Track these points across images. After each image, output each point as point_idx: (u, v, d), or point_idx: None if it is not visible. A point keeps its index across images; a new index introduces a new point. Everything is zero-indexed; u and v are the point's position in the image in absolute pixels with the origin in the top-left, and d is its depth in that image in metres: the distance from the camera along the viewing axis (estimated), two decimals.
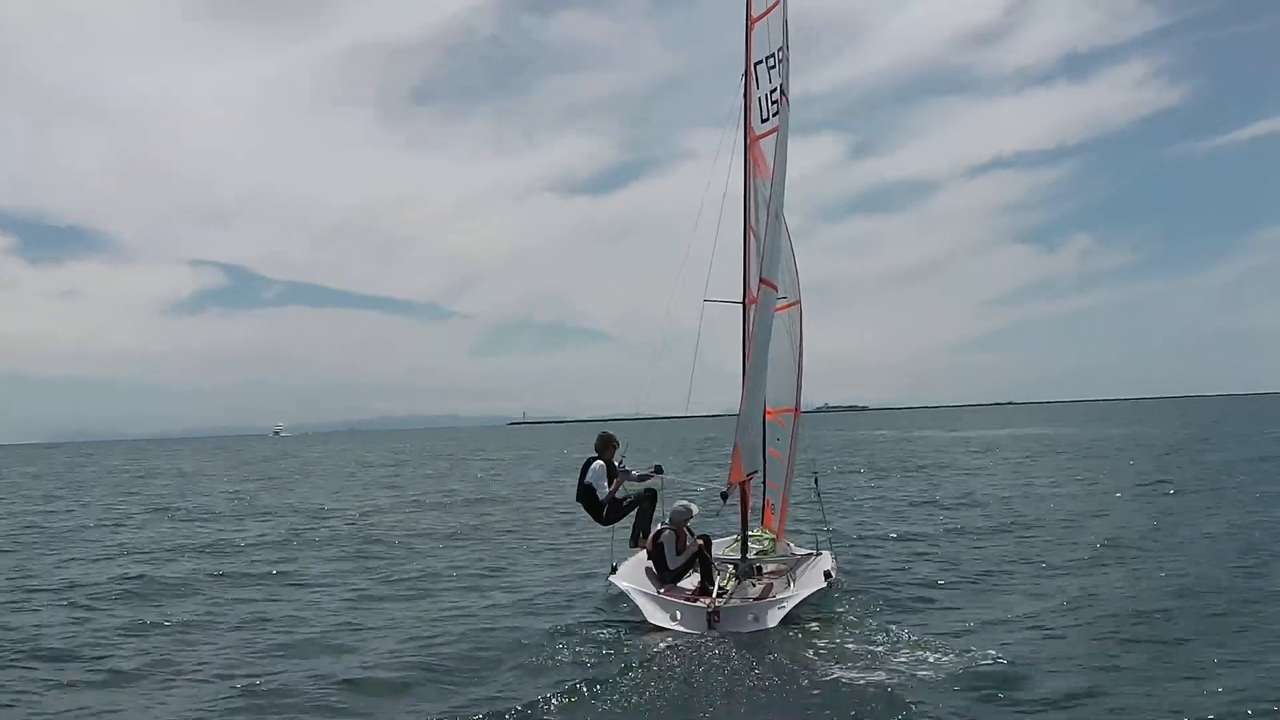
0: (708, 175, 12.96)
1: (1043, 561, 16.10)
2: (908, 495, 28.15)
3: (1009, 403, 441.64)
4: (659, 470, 14.02)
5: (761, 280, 12.05)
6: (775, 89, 12.34)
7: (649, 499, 13.88)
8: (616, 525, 13.92)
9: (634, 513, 13.98)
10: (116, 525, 27.87)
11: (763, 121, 12.76)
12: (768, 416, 14.20)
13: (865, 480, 33.93)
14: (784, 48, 12.11)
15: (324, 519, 27.80)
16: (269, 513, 30.86)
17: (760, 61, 12.60)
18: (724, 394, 14.80)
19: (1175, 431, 66.20)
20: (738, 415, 14.01)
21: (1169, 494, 25.45)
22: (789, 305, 13.79)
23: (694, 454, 56.15)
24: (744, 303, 13.72)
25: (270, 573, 18.07)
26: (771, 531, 15.02)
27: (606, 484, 13.55)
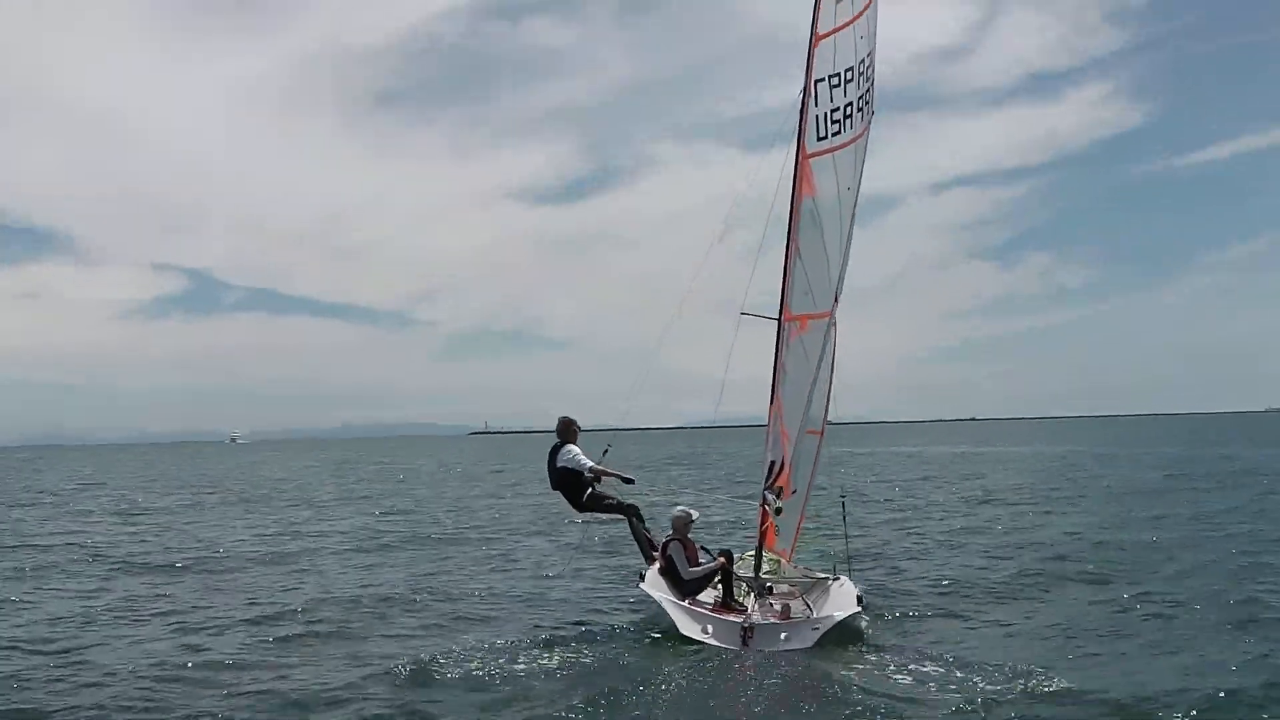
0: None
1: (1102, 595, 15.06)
2: (928, 520, 26.64)
3: (971, 419, 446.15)
4: (628, 481, 13.84)
5: (835, 298, 12.53)
6: (839, 107, 12.33)
7: (635, 515, 13.83)
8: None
9: (623, 524, 14.02)
10: None
11: (818, 139, 12.68)
12: (785, 439, 14.06)
13: (874, 504, 31.67)
14: (870, 55, 12.24)
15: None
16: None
17: (823, 79, 12.50)
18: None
19: (1181, 450, 65.81)
20: (768, 431, 14.04)
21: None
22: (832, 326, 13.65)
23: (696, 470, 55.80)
24: (780, 320, 13.68)
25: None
26: (775, 554, 14.85)
27: (585, 459, 13.43)
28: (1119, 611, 13.84)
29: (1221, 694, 9.65)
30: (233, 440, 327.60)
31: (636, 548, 14.23)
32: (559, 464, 13.62)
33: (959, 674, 10.53)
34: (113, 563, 20.61)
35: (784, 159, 13.12)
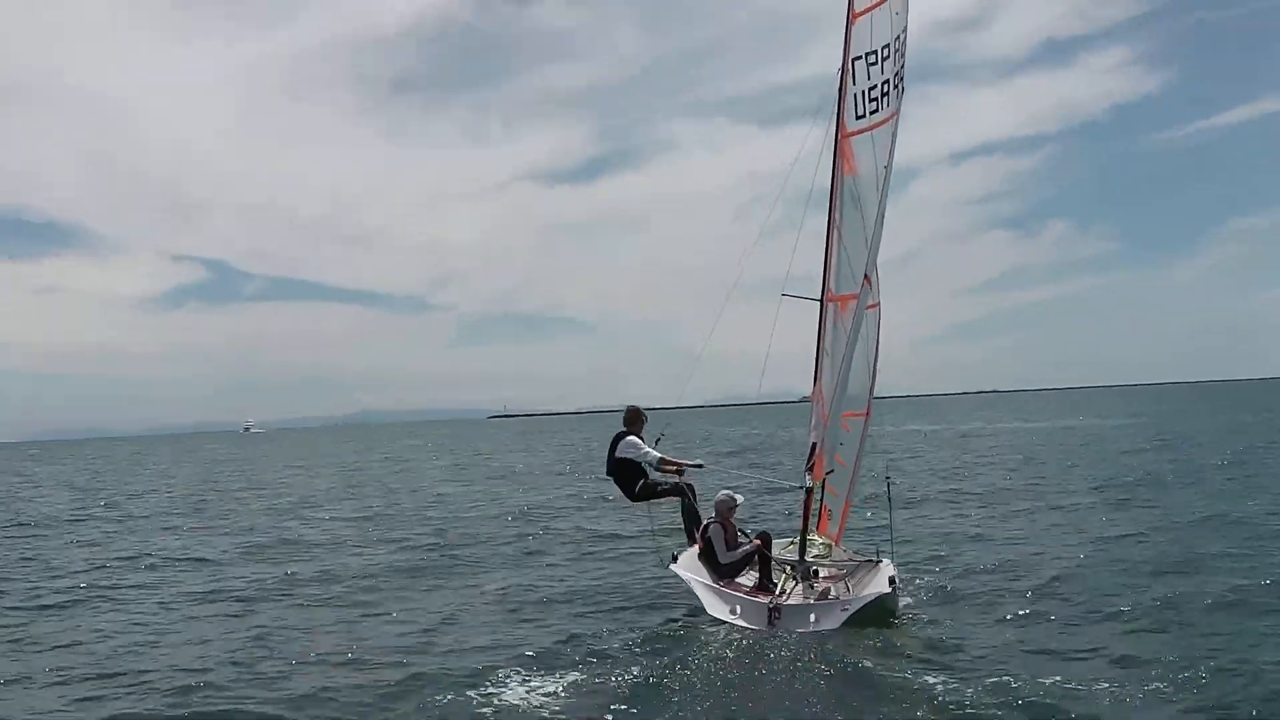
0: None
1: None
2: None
3: (992, 391, 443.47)
4: (699, 466, 13.88)
5: (865, 278, 12.07)
6: (877, 85, 12.17)
7: (688, 493, 13.73)
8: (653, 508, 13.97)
9: (670, 502, 13.93)
10: None
11: (857, 118, 12.54)
12: (825, 421, 13.97)
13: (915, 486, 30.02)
14: (904, 32, 12.00)
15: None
16: None
17: (860, 57, 12.35)
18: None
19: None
20: (811, 412, 13.98)
21: None
22: (872, 306, 13.53)
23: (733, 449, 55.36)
24: (822, 300, 13.60)
25: None
26: (827, 537, 14.81)
27: (652, 450, 13.44)
28: (1152, 608, 12.72)
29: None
30: (246, 430, 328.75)
31: (682, 526, 14.09)
32: (618, 454, 13.56)
33: (986, 661, 10.42)
34: None
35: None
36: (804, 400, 14.93)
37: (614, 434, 13.76)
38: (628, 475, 13.52)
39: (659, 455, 13.47)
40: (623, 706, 9.32)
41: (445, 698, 9.73)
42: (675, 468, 13.64)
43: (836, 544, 14.85)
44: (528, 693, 9.78)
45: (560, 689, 9.88)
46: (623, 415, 13.83)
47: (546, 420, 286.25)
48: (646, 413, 13.99)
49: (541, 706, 9.42)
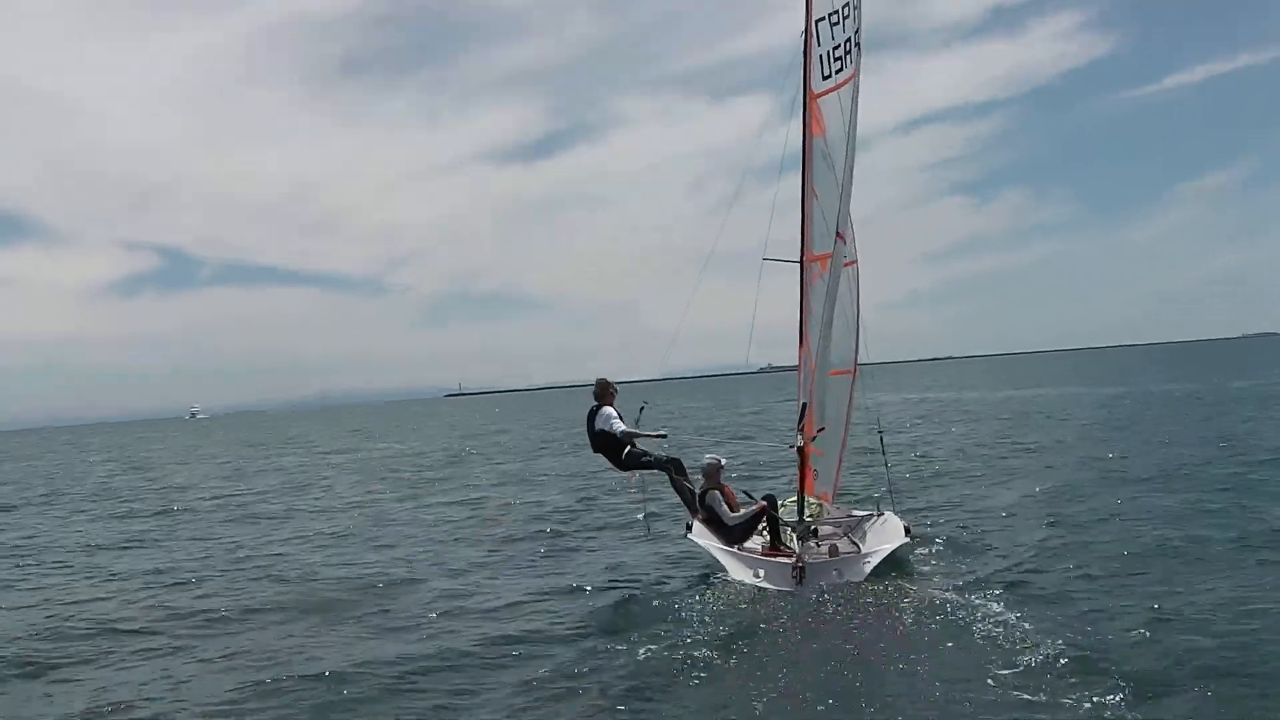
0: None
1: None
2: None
3: (947, 357, 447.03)
4: (660, 437, 13.93)
5: (838, 234, 12.28)
6: (840, 44, 12.32)
7: (676, 469, 13.81)
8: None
9: (666, 478, 13.91)
10: None
11: (824, 79, 12.69)
12: (814, 380, 14.14)
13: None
14: None
15: None
16: None
17: (822, 18, 12.49)
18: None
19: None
20: (799, 373, 14.17)
21: None
22: (848, 264, 13.72)
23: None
24: (801, 261, 13.77)
25: None
26: (815, 498, 14.99)
27: (620, 422, 13.54)
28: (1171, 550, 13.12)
29: None
30: (192, 415, 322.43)
31: (680, 501, 14.28)
32: (596, 427, 13.69)
33: (1006, 602, 10.63)
34: None
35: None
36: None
37: (588, 409, 13.88)
38: (611, 446, 13.65)
39: (624, 428, 13.56)
40: (668, 678, 9.22)
41: (462, 676, 9.69)
42: (642, 438, 13.71)
43: (828, 502, 15.03)
44: (558, 669, 9.69)
45: (593, 666, 9.76)
46: (592, 390, 13.93)
47: (504, 397, 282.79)
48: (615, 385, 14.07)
49: (578, 681, 9.31)
